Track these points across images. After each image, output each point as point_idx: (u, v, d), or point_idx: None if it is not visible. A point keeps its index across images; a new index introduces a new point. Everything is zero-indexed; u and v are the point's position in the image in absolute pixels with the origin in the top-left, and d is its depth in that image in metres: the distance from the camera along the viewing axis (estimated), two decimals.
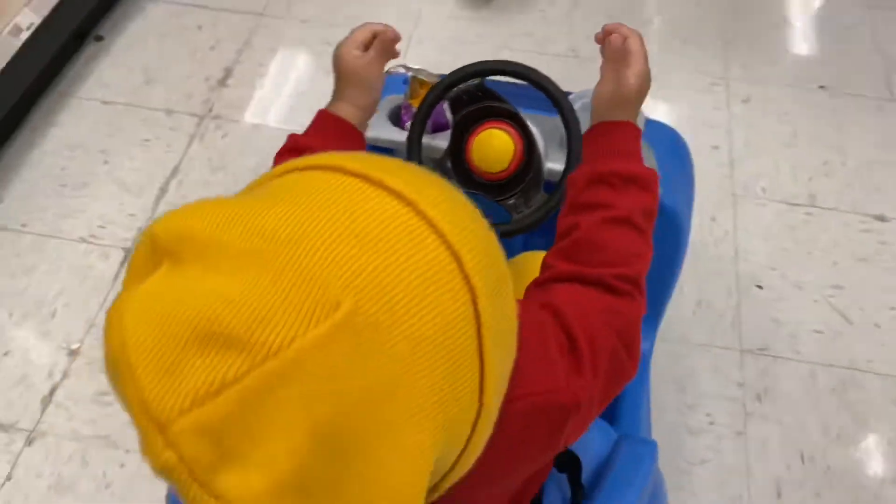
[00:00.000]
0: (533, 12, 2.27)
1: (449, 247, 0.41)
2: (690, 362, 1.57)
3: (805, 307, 1.65)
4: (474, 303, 0.42)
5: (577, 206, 0.72)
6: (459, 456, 0.46)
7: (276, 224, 0.39)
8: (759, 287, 1.68)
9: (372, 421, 0.37)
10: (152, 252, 0.42)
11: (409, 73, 1.15)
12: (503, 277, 0.45)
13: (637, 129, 0.77)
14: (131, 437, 1.43)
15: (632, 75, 0.76)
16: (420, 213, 0.41)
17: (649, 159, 1.14)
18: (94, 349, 1.56)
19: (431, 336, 0.39)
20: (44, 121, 1.95)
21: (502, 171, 1.01)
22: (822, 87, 2.08)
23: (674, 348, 1.57)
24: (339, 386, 0.36)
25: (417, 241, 0.40)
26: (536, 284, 0.70)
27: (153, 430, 0.36)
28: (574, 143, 0.98)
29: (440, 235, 0.41)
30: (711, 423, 1.48)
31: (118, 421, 1.46)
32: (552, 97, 0.97)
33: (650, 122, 1.28)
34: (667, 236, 1.16)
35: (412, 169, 0.45)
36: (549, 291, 0.67)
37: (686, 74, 2.11)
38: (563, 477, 0.83)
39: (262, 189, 0.45)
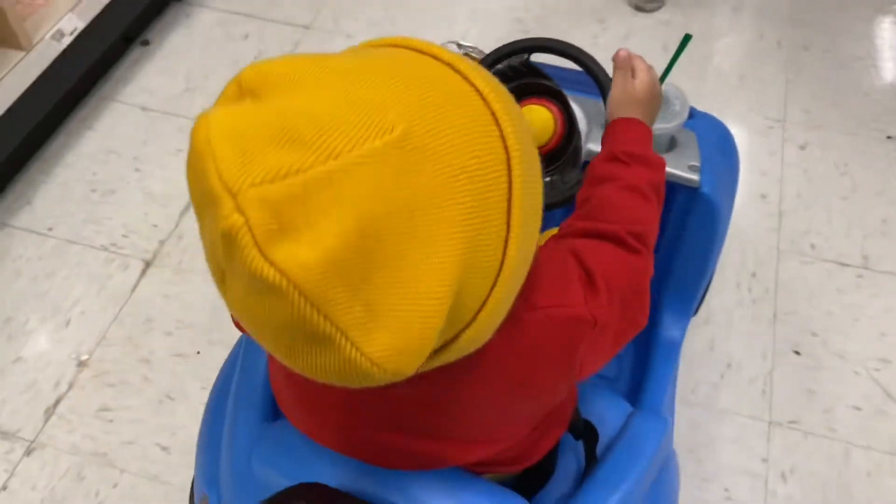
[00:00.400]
0: (585, 39, 2.19)
1: (494, 117, 0.49)
2: (712, 430, 1.47)
3: (845, 380, 1.53)
4: (508, 165, 0.48)
5: (592, 180, 0.81)
6: (479, 310, 0.50)
7: (350, 66, 0.47)
8: (797, 353, 1.56)
9: (408, 228, 0.43)
10: (238, 93, 0.47)
11: (461, 51, 1.12)
12: (535, 164, 0.53)
13: (647, 127, 0.85)
14: (128, 456, 1.42)
15: (638, 82, 0.87)
16: (476, 90, 0.49)
17: (691, 144, 1.16)
18: (102, 362, 1.55)
19: (468, 172, 0.46)
20: (82, 124, 1.97)
21: (541, 147, 1.01)
22: (889, 137, 1.94)
23: (695, 413, 1.48)
24: (384, 193, 0.42)
25: (467, 101, 0.48)
26: (555, 239, 0.76)
27: (227, 197, 0.41)
28: None
29: (490, 108, 0.49)
30: (728, 500, 1.39)
31: (117, 439, 1.45)
32: (594, 75, 0.98)
33: (698, 113, 1.27)
34: (703, 223, 1.20)
35: (480, 66, 0.53)
36: (567, 241, 0.74)
37: (741, 113, 1.99)
38: (580, 446, 0.89)
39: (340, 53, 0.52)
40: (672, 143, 1.18)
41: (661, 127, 1.12)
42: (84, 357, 1.56)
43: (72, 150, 1.92)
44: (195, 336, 1.59)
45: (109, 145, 1.93)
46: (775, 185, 1.84)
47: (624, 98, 0.87)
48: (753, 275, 1.68)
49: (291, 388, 0.74)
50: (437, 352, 0.51)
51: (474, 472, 0.77)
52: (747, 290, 1.66)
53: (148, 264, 1.70)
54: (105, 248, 1.73)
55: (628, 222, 0.74)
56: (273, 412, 0.91)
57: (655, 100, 0.88)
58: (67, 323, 1.61)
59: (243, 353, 0.98)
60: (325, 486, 0.71)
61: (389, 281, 0.43)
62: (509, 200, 0.49)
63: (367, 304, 0.43)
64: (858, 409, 1.49)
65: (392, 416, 0.67)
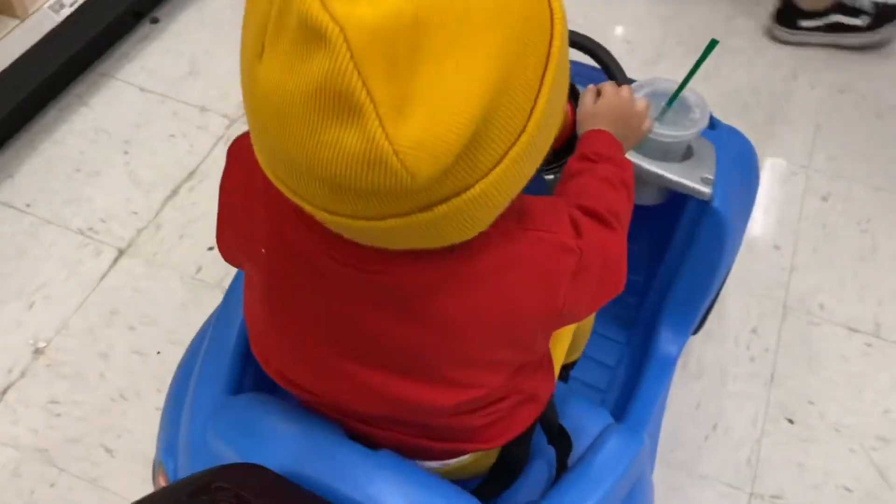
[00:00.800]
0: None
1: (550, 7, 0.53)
2: (689, 496, 1.37)
3: (839, 456, 1.42)
4: (550, 37, 0.52)
5: (565, 177, 0.85)
6: (494, 166, 0.51)
7: None
8: (790, 421, 1.45)
9: (458, 29, 0.46)
10: None
11: None
12: (566, 63, 0.55)
13: (613, 137, 0.88)
14: (69, 455, 1.34)
15: (602, 100, 0.91)
16: None
17: (708, 156, 1.12)
18: (59, 352, 1.49)
19: (519, 13, 0.49)
20: (77, 99, 1.91)
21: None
22: None
23: (673, 474, 1.38)
24: None
25: None
26: None
27: None
28: None
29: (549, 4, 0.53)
30: None
31: (62, 435, 1.39)
32: (610, 73, 0.96)
33: (721, 125, 1.23)
34: (711, 238, 1.17)
35: None
36: None
37: (763, 156, 1.88)
38: (552, 455, 0.90)
39: None
40: (688, 153, 1.13)
41: (677, 134, 1.07)
42: (41, 344, 1.50)
43: (63, 125, 1.86)
44: (157, 335, 1.52)
45: (101, 124, 1.87)
46: (790, 236, 1.72)
47: (588, 114, 0.91)
48: (754, 331, 1.57)
49: (269, 316, 0.73)
50: (446, 200, 0.50)
51: (446, 451, 0.79)
52: (746, 346, 1.55)
53: (121, 253, 1.64)
54: (81, 232, 1.67)
55: (605, 202, 0.77)
56: (237, 386, 0.92)
57: (625, 118, 0.90)
58: (31, 306, 1.55)
59: (214, 325, 0.98)
60: (263, 470, 0.71)
61: (430, 74, 0.45)
62: (545, 69, 0.51)
63: (404, 88, 0.45)
64: (849, 489, 1.38)
65: (365, 344, 0.66)
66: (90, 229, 1.67)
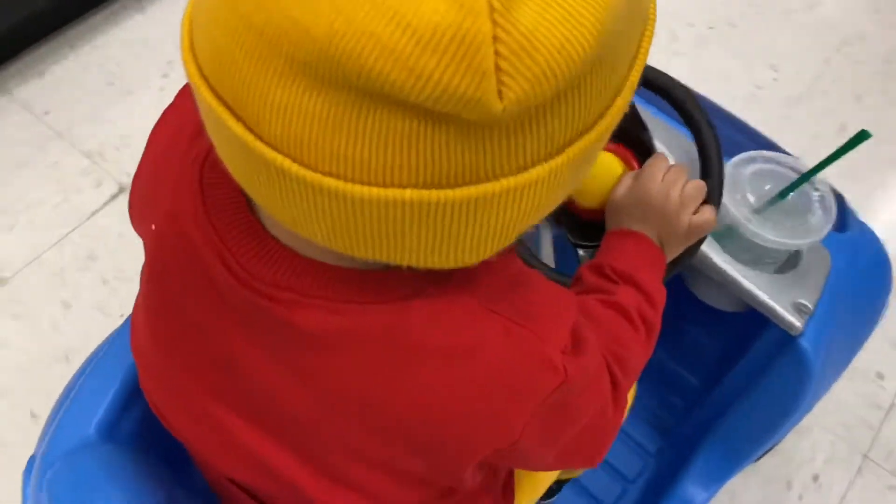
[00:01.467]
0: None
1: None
2: None
3: None
4: (641, 40, 0.42)
5: (573, 288, 0.69)
6: (563, 148, 0.40)
7: None
8: None
9: None
10: None
11: None
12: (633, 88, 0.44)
13: (647, 243, 0.68)
14: None
15: (642, 185, 0.69)
16: None
17: (817, 272, 0.86)
18: (21, 288, 1.35)
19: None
20: (134, 4, 1.73)
21: (598, 208, 0.74)
22: None
23: None
24: None
25: None
26: None
27: None
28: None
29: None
30: None
31: None
32: (700, 142, 0.73)
33: (856, 225, 0.94)
34: (789, 380, 0.90)
35: None
36: None
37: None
38: None
39: None
40: (791, 261, 0.86)
41: (778, 240, 0.80)
42: (6, 274, 1.36)
43: (110, 30, 1.69)
44: (128, 295, 1.35)
45: (151, 37, 1.69)
46: None
47: (614, 205, 0.71)
48: (816, 478, 1.25)
49: (145, 321, 0.59)
50: (487, 179, 0.37)
51: None
52: (798, 495, 1.24)
53: (122, 189, 1.47)
54: (88, 155, 1.51)
55: (612, 343, 0.60)
56: (116, 420, 0.76)
57: (660, 213, 0.68)
58: (11, 228, 1.42)
59: (117, 334, 0.84)
60: None
61: None
62: (632, 64, 0.41)
63: None
64: None
65: (243, 389, 0.51)
66: (99, 154, 1.51)
